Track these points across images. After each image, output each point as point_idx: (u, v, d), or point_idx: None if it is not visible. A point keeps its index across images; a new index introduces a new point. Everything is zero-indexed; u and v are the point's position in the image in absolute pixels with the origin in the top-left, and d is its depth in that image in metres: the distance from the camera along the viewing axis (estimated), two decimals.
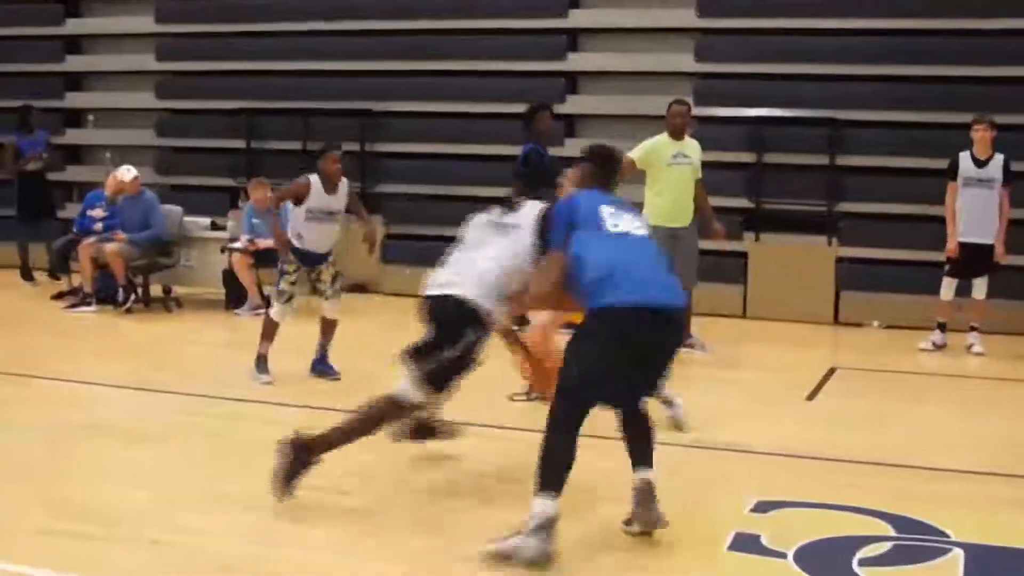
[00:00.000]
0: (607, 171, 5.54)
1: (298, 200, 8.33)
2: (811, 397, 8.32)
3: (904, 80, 11.81)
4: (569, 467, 4.82)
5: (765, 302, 11.76)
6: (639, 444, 5.15)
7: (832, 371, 9.22)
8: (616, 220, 5.16)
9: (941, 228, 10.19)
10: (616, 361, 4.90)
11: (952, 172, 10.04)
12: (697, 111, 11.93)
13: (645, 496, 5.05)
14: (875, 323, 11.40)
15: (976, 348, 10.07)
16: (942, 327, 10.25)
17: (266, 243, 10.67)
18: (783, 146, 12.07)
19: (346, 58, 13.77)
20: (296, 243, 8.36)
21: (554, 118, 9.72)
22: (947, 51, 11.69)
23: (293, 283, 8.39)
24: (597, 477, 5.49)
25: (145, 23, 14.60)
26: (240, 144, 13.93)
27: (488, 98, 12.91)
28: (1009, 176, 9.97)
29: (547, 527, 4.72)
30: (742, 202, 12.17)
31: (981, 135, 9.94)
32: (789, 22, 12.24)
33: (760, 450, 6.68)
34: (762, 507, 5.49)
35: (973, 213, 9.97)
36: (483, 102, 12.96)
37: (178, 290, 12.11)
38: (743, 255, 12.03)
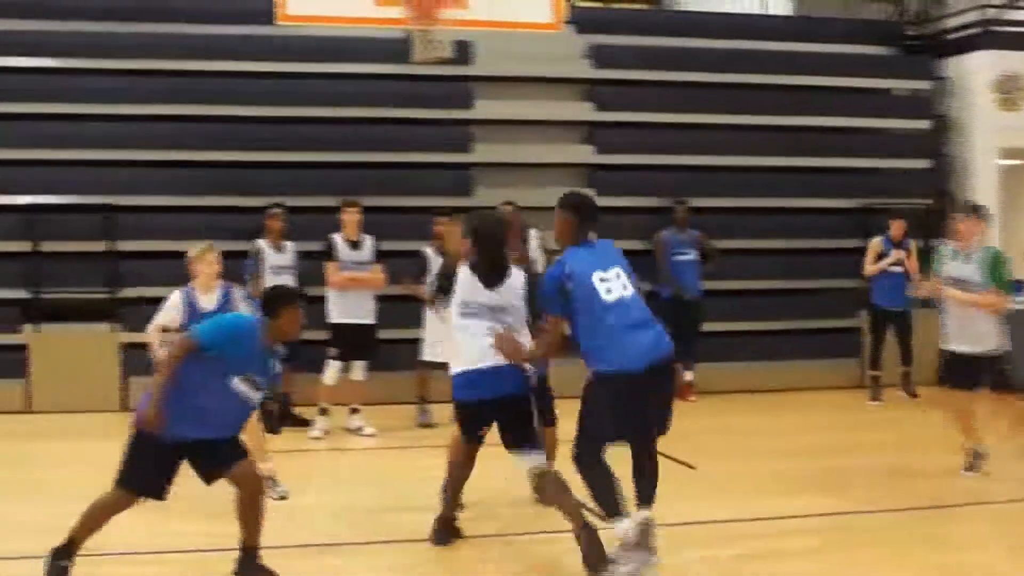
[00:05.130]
0: (590, 220, 6.68)
1: None
2: None
3: (179, 165, 13.18)
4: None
5: (50, 394, 12.30)
6: (642, 481, 6.51)
7: None
8: (608, 286, 6.44)
9: None
10: (619, 416, 6.34)
11: (330, 254, 11.20)
12: None
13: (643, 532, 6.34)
14: None
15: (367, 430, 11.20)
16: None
17: None
18: (59, 233, 12.75)
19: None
20: None
21: None
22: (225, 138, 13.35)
23: None
24: None
25: None
26: None
27: None
28: (377, 256, 11.34)
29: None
30: (19, 293, 12.66)
31: (353, 217, 11.25)
32: (56, 107, 13.08)
33: None
34: None
35: (356, 295, 11.18)
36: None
37: None
38: (23, 347, 12.52)
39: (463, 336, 6.88)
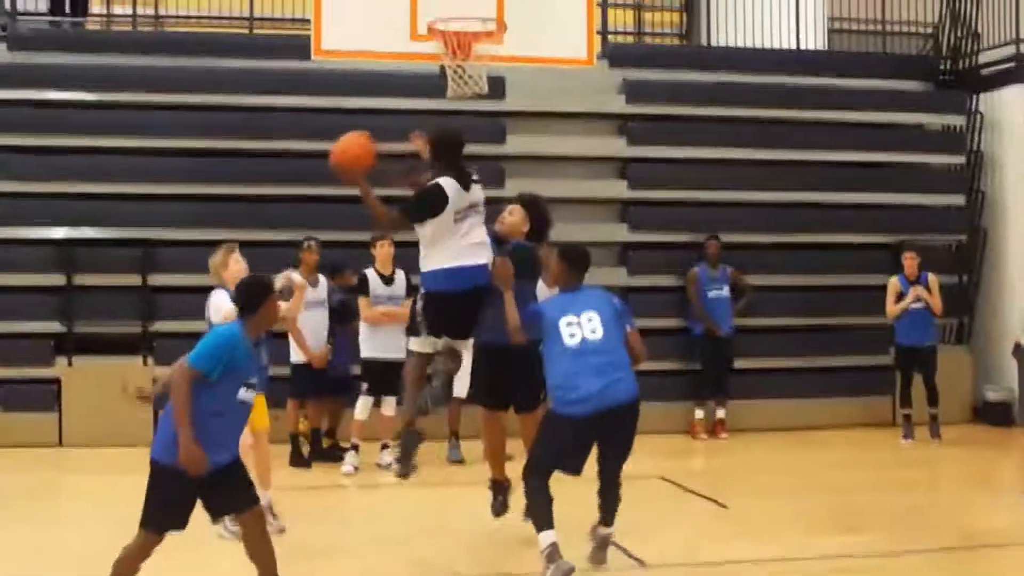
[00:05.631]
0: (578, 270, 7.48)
1: None
2: None
3: (214, 199, 13.29)
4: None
5: (82, 428, 12.37)
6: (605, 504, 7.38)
7: None
8: (572, 331, 7.17)
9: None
10: (572, 451, 7.17)
11: (363, 289, 11.29)
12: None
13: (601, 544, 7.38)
14: None
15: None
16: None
17: None
18: (94, 267, 12.88)
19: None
20: None
21: None
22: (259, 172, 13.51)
23: None
24: None
25: None
26: None
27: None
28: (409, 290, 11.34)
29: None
30: (53, 326, 12.81)
31: (387, 251, 11.37)
32: (92, 140, 13.24)
33: None
34: None
35: (388, 330, 11.22)
36: None
37: None
38: (56, 381, 12.64)
39: (455, 238, 7.66)
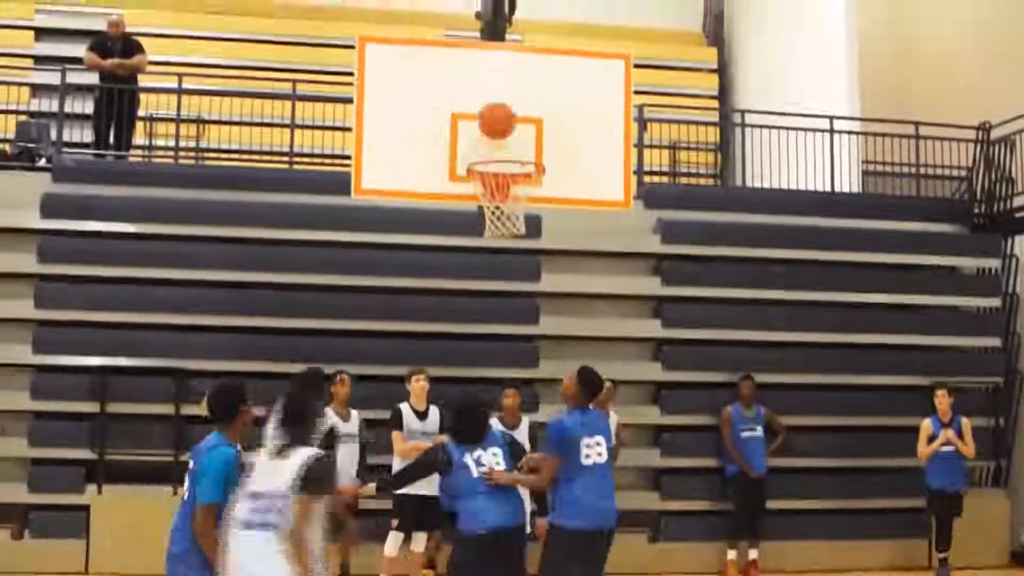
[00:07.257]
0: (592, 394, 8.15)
1: None
2: None
3: (250, 331, 13.57)
4: None
5: (110, 556, 12.45)
6: None
7: None
8: (588, 452, 7.94)
9: None
10: (581, 562, 7.99)
11: (397, 423, 11.52)
12: (37, 359, 12.92)
13: None
14: None
15: None
16: None
17: None
18: (128, 395, 13.11)
19: None
20: None
21: None
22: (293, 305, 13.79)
23: None
24: None
25: None
26: None
27: None
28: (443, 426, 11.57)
29: None
30: (84, 453, 13.00)
31: (422, 385, 11.65)
32: (130, 271, 13.58)
33: None
34: None
35: None
36: None
37: None
38: (85, 508, 12.78)
39: None
